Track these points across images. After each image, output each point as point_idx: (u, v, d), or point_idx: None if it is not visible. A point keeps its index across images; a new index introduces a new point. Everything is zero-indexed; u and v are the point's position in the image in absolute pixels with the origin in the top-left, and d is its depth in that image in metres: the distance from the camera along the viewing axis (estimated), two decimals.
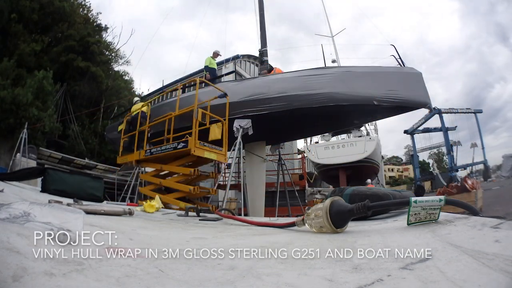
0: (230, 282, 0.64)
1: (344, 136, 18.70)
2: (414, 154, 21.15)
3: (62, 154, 13.62)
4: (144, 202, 2.85)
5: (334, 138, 19.06)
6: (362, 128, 18.70)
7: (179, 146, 5.27)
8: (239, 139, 6.05)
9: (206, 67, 7.83)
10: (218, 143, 5.58)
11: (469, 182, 8.21)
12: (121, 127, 7.32)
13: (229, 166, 6.85)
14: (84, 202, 2.05)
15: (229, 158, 6.62)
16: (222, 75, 8.46)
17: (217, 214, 2.49)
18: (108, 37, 22.74)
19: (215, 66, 8.05)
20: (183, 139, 5.24)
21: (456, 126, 19.03)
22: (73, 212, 0.94)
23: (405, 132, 20.11)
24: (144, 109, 6.72)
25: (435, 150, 31.09)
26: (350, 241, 1.07)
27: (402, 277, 0.63)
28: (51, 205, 1.01)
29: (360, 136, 17.51)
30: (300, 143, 22.26)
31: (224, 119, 5.71)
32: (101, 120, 19.70)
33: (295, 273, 0.72)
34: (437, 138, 21.11)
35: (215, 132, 5.54)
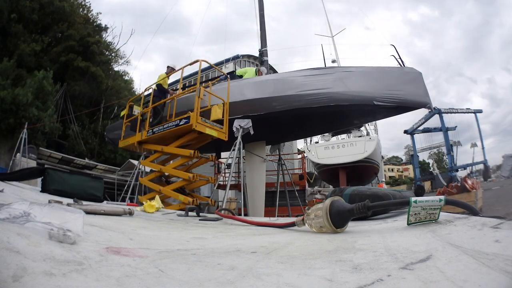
0: (230, 282, 0.64)
1: (344, 136, 18.69)
2: (414, 154, 21.13)
3: (62, 154, 13.65)
4: (144, 199, 2.86)
5: (334, 138, 19.06)
6: (362, 128, 18.69)
7: (181, 123, 5.36)
8: (239, 139, 6.05)
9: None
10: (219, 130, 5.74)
11: (469, 182, 8.21)
12: (124, 112, 7.30)
13: (229, 166, 6.84)
14: (84, 202, 2.05)
15: (229, 158, 6.63)
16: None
17: (217, 214, 2.49)
18: (108, 37, 22.78)
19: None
20: (185, 115, 5.36)
21: (456, 126, 19.03)
22: (73, 212, 0.94)
23: (405, 132, 20.10)
24: (162, 82, 6.57)
25: (435, 150, 31.11)
26: (350, 241, 1.07)
27: (402, 277, 0.63)
28: (51, 205, 1.01)
29: (360, 136, 17.49)
30: (300, 143, 22.26)
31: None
32: (101, 120, 19.73)
33: (295, 273, 0.72)
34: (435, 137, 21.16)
35: (216, 112, 5.63)
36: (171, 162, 6.44)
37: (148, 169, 7.46)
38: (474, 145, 20.53)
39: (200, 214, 2.62)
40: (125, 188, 7.94)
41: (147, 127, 6.17)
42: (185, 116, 5.33)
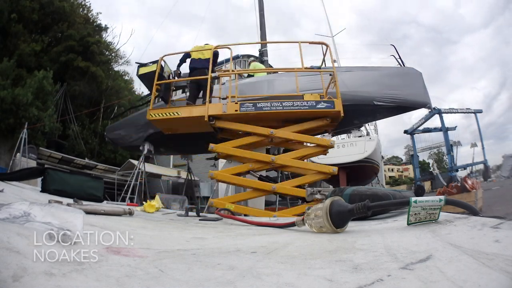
0: (230, 282, 0.64)
1: (344, 136, 18.67)
2: (414, 154, 21.10)
3: (62, 154, 13.67)
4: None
5: (334, 138, 19.00)
6: (362, 128, 18.68)
7: (318, 106, 4.48)
8: None
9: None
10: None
11: (469, 182, 8.22)
12: (151, 68, 5.41)
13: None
14: (84, 202, 2.05)
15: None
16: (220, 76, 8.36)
17: (217, 214, 2.49)
18: (108, 37, 22.78)
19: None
20: (327, 99, 4.59)
21: (456, 126, 19.02)
22: (73, 212, 0.94)
23: (405, 132, 20.08)
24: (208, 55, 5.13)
25: (435, 150, 31.10)
26: (350, 241, 1.07)
27: (402, 277, 0.63)
28: (51, 205, 1.01)
29: (360, 136, 17.49)
30: None
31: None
32: (101, 120, 19.72)
33: (295, 273, 0.72)
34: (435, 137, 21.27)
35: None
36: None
37: (146, 169, 7.36)
38: (474, 145, 20.53)
39: (200, 214, 2.62)
40: (125, 188, 7.95)
41: (230, 97, 4.73)
42: (326, 99, 4.63)
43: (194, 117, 4.71)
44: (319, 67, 5.50)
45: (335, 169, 4.42)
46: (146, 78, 5.39)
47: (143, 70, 5.44)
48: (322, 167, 4.44)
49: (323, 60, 5.57)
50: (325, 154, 4.87)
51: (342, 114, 4.50)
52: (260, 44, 9.16)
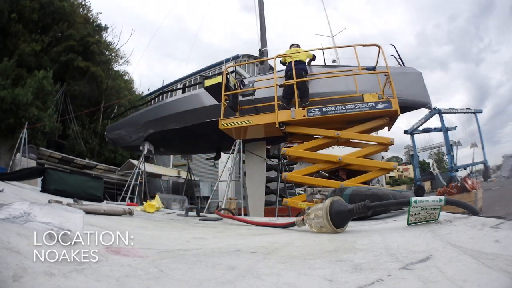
0: (230, 282, 0.64)
1: None
2: (414, 154, 21.10)
3: (62, 154, 13.69)
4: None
5: None
6: None
7: (378, 106, 4.67)
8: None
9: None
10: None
11: (469, 182, 8.23)
12: (214, 81, 5.48)
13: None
14: (84, 202, 2.05)
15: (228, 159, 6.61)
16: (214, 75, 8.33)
17: (217, 214, 2.49)
18: (108, 37, 22.78)
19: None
20: (384, 99, 4.75)
21: (456, 126, 19.04)
22: (73, 212, 0.94)
23: (405, 132, 20.07)
24: (304, 57, 5.43)
25: (435, 150, 31.11)
26: (350, 241, 1.07)
27: (402, 277, 0.63)
28: (51, 205, 1.01)
29: None
30: None
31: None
32: (101, 120, 19.72)
33: (295, 273, 0.72)
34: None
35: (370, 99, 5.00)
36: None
37: (146, 169, 7.38)
38: (474, 145, 20.53)
39: (200, 214, 2.62)
40: (125, 188, 7.96)
41: (297, 105, 4.98)
42: (384, 99, 4.83)
43: (265, 124, 5.03)
44: (374, 68, 5.66)
45: (395, 164, 4.82)
46: (212, 90, 5.55)
47: (209, 82, 5.60)
48: (383, 164, 4.96)
49: (377, 61, 5.71)
50: (386, 151, 5.28)
51: (399, 113, 4.66)
52: (260, 45, 9.15)
